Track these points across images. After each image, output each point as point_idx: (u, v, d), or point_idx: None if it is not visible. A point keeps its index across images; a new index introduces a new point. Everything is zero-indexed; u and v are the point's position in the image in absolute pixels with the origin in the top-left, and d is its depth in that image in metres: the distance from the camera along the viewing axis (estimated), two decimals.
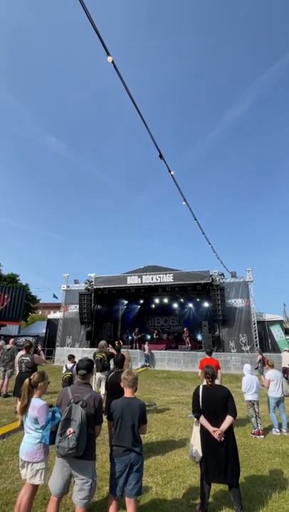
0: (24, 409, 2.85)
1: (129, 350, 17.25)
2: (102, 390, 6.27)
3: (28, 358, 6.09)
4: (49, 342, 20.01)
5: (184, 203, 7.46)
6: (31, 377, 3.00)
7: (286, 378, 12.40)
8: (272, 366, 6.21)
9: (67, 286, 20.48)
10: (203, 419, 3.12)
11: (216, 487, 3.48)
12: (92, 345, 17.69)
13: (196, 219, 9.09)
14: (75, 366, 7.06)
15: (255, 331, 16.21)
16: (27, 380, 2.95)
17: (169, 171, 5.60)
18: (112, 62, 3.59)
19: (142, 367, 16.14)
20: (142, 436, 2.90)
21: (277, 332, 16.61)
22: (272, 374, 5.99)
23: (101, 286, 19.07)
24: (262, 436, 5.45)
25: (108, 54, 3.52)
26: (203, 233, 10.92)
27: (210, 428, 3.05)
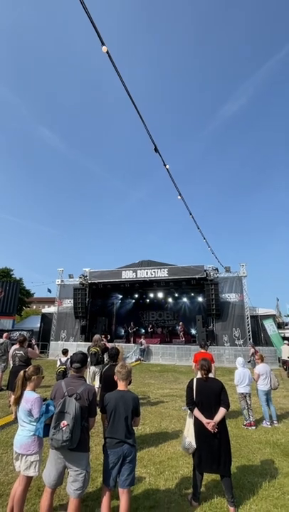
0: (17, 401, 2.85)
1: (123, 344, 17.35)
2: (97, 384, 6.30)
3: (21, 352, 6.08)
4: (43, 336, 20.00)
5: (179, 197, 7.45)
6: (26, 369, 3.00)
7: (285, 370, 12.80)
8: (261, 360, 6.31)
9: (62, 281, 20.40)
10: (197, 412, 3.17)
11: (207, 477, 3.54)
12: (86, 340, 17.72)
13: (191, 213, 9.08)
14: (68, 360, 7.08)
15: (248, 325, 16.42)
16: (22, 372, 2.95)
17: (164, 165, 5.56)
18: (107, 52, 3.51)
19: (136, 361, 16.25)
20: (135, 428, 2.93)
21: (270, 326, 16.86)
22: (261, 368, 6.09)
23: (96, 281, 19.05)
24: (253, 428, 5.56)
25: (103, 44, 3.44)
26: (198, 228, 10.94)
27: (204, 420, 3.10)
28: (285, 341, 14.20)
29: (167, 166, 5.62)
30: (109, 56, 3.50)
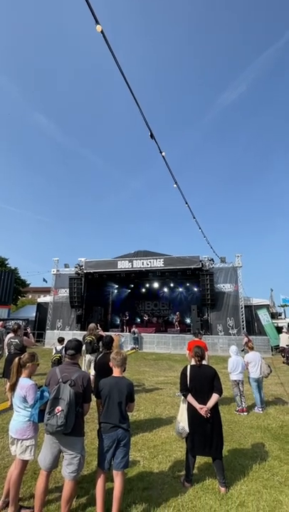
0: (13, 387, 2.87)
1: (120, 333, 17.50)
2: (92, 372, 6.37)
3: (17, 340, 6.08)
4: (39, 325, 20.06)
5: (174, 185, 7.37)
6: (21, 356, 3.00)
7: (283, 357, 13.20)
8: (251, 348, 6.43)
9: (57, 271, 20.34)
10: (190, 397, 3.22)
11: (200, 460, 3.64)
12: (82, 329, 17.82)
13: (186, 203, 9.03)
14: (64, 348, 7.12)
15: (242, 315, 16.64)
16: (17, 359, 2.96)
17: (160, 152, 5.47)
18: (102, 32, 3.36)
19: (131, 349, 16.44)
20: (130, 413, 2.98)
21: (263, 316, 17.11)
22: (251, 356, 6.21)
23: (91, 271, 19.03)
24: (245, 414, 5.71)
25: (97, 22, 3.28)
26: (194, 217, 10.91)
27: (197, 405, 3.16)
28: (284, 330, 14.63)
29: (163, 153, 5.53)
30: (104, 36, 3.36)
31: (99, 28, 3.32)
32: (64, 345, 7.06)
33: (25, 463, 2.78)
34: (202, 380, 3.26)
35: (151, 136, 4.99)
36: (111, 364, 3.00)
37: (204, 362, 3.56)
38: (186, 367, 3.45)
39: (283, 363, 12.76)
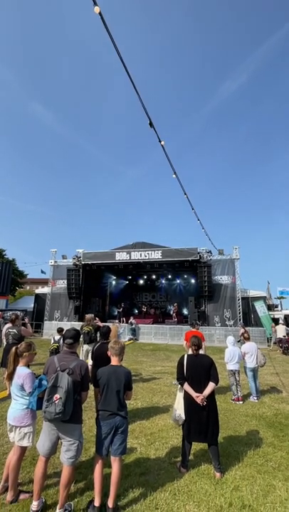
0: (10, 376, 2.89)
1: (116, 324, 17.61)
2: (90, 362, 6.42)
3: (14, 330, 6.10)
4: (37, 316, 20.13)
5: (174, 175, 7.30)
6: (18, 345, 3.01)
7: (281, 347, 13.54)
8: (248, 339, 6.51)
9: (55, 262, 20.30)
10: (187, 386, 3.26)
11: (196, 446, 3.71)
12: (80, 320, 17.91)
13: (185, 193, 8.96)
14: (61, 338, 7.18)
15: (239, 306, 16.77)
16: (13, 349, 2.97)
17: (159, 141, 5.37)
18: (100, 13, 3.24)
19: (128, 340, 16.59)
20: (127, 402, 3.01)
21: (260, 308, 17.26)
22: (247, 346, 6.30)
23: (89, 262, 19.01)
24: (241, 402, 5.81)
25: (95, 3, 3.16)
26: (193, 208, 10.85)
27: (193, 394, 3.20)
28: (281, 321, 14.90)
29: (162, 142, 5.44)
30: (102, 18, 3.23)
31: (97, 9, 3.19)
32: (62, 335, 7.17)
33: (23, 449, 2.82)
34: (199, 369, 3.30)
35: (151, 124, 4.89)
36: (109, 353, 3.01)
37: (201, 351, 3.59)
38: (183, 356, 3.48)
39: (283, 353, 13.05)
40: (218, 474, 3.13)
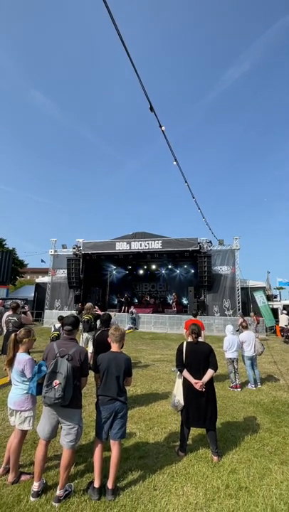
0: (10, 362, 2.90)
1: (117, 313, 17.74)
2: (90, 349, 6.48)
3: (15, 318, 6.13)
4: (37, 305, 20.28)
5: (174, 163, 7.18)
6: (18, 332, 3.01)
7: (283, 336, 13.93)
8: (246, 328, 6.56)
9: (55, 251, 20.28)
10: (186, 372, 3.29)
11: (194, 431, 3.78)
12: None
13: (186, 181, 8.84)
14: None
15: (238, 296, 16.85)
16: (13, 335, 2.98)
17: (160, 126, 5.24)
18: None
19: (128, 329, 16.74)
20: (127, 388, 3.04)
21: (260, 298, 17.32)
22: (245, 335, 6.35)
23: (89, 252, 18.99)
24: (239, 390, 5.89)
25: None
26: (193, 197, 10.74)
27: (192, 380, 3.23)
28: (284, 311, 15.22)
29: (163, 128, 5.31)
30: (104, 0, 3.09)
31: None
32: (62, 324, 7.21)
33: (24, 432, 2.86)
34: (198, 356, 3.31)
35: (151, 109, 4.76)
36: (109, 339, 3.02)
37: (200, 339, 3.60)
38: (182, 343, 3.49)
39: (284, 341, 13.40)
40: (215, 458, 3.19)
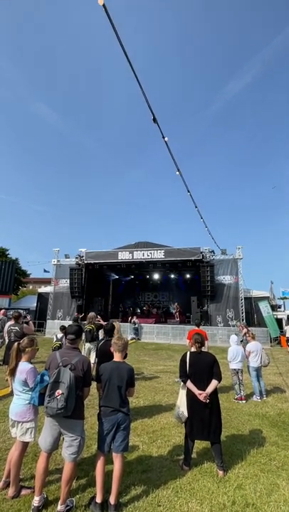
0: (12, 372, 2.87)
1: (119, 323, 17.58)
2: (92, 360, 6.41)
3: (17, 328, 6.12)
4: (40, 315, 20.20)
5: (177, 172, 7.26)
6: (21, 341, 3.00)
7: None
8: (253, 338, 6.46)
9: (58, 261, 20.35)
10: (189, 383, 3.23)
11: (198, 444, 3.68)
12: (83, 319, 17.91)
13: (188, 191, 8.93)
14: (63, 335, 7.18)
15: (242, 306, 16.69)
16: (16, 344, 2.96)
17: (163, 137, 5.35)
18: (104, 5, 3.21)
19: (131, 339, 16.56)
20: (130, 399, 2.99)
21: (264, 308, 17.15)
22: (253, 345, 6.25)
23: (92, 261, 19.03)
24: (244, 402, 5.76)
25: None
26: (196, 206, 10.81)
27: (196, 391, 3.17)
28: None
29: (166, 139, 5.41)
30: (106, 11, 3.21)
31: (100, 1, 3.17)
32: (63, 333, 7.17)
33: (25, 444, 2.81)
34: (202, 367, 3.27)
35: (154, 120, 4.86)
36: (112, 349, 2.99)
37: (204, 349, 3.56)
38: (185, 353, 3.45)
39: None
40: (221, 472, 3.10)
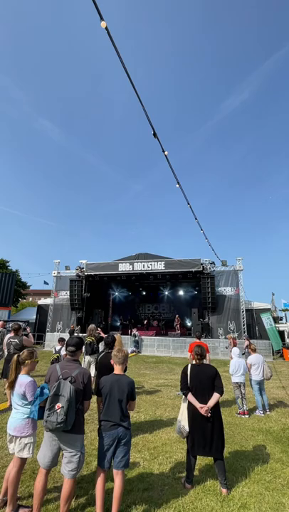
0: (12, 385, 2.84)
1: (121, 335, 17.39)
2: (92, 373, 6.32)
3: (16, 340, 6.05)
4: (39, 328, 20.01)
5: (177, 185, 7.37)
6: (20, 353, 2.97)
7: None
8: (254, 351, 6.38)
9: (58, 273, 20.34)
10: (190, 396, 3.18)
11: (201, 461, 3.59)
12: (82, 331, 17.75)
13: (188, 203, 9.03)
14: (63, 348, 7.09)
15: (243, 318, 16.55)
16: (15, 356, 2.93)
17: (163, 151, 5.48)
18: (106, 28, 3.39)
19: (131, 352, 16.34)
20: (130, 413, 2.93)
21: (267, 320, 16.99)
22: (254, 358, 6.16)
23: (92, 273, 19.02)
24: (247, 416, 5.64)
25: (102, 19, 3.31)
26: (196, 218, 10.89)
27: (197, 404, 3.11)
28: None
29: (166, 153, 5.54)
30: (108, 33, 3.38)
31: (103, 24, 3.34)
32: (63, 345, 7.09)
33: (23, 461, 2.74)
34: (203, 379, 3.22)
35: (154, 135, 5.00)
36: (112, 361, 2.96)
37: (205, 361, 3.52)
38: (186, 366, 3.41)
39: None
40: (224, 490, 3.00)
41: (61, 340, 7.57)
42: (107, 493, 2.68)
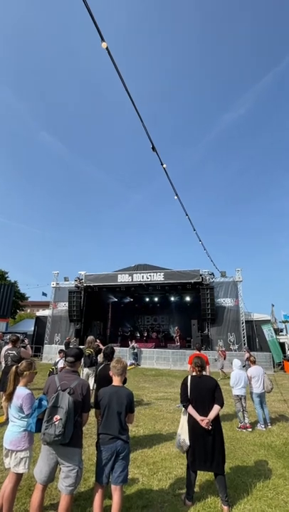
0: (10, 397, 2.80)
1: (118, 348, 17.19)
2: (91, 385, 6.22)
3: (14, 352, 5.98)
4: (37, 340, 19.77)
5: (175, 197, 7.50)
6: (19, 364, 2.95)
7: None
8: (254, 363, 6.30)
9: (57, 284, 20.27)
10: (191, 409, 3.14)
11: (201, 477, 3.50)
12: (81, 343, 17.54)
13: (187, 214, 9.15)
14: (59, 360, 7.01)
15: (243, 330, 16.42)
16: (14, 368, 2.92)
17: (161, 164, 5.62)
18: (107, 48, 3.55)
19: (130, 365, 16.10)
20: (129, 427, 2.89)
21: (268, 332, 16.84)
22: (253, 370, 6.08)
23: (91, 284, 18.97)
24: (249, 430, 5.52)
25: (102, 40, 3.48)
26: (194, 229, 11.01)
27: (197, 417, 3.07)
28: None
29: (164, 165, 5.68)
30: (109, 53, 3.54)
31: (104, 45, 3.50)
32: (62, 357, 7.00)
33: (19, 476, 2.67)
34: (203, 391, 3.19)
35: (153, 148, 5.14)
36: (111, 373, 2.94)
37: (205, 373, 3.49)
38: (186, 377, 3.38)
39: None
40: (225, 508, 2.92)
41: (61, 352, 7.50)
42: (105, 511, 2.60)
